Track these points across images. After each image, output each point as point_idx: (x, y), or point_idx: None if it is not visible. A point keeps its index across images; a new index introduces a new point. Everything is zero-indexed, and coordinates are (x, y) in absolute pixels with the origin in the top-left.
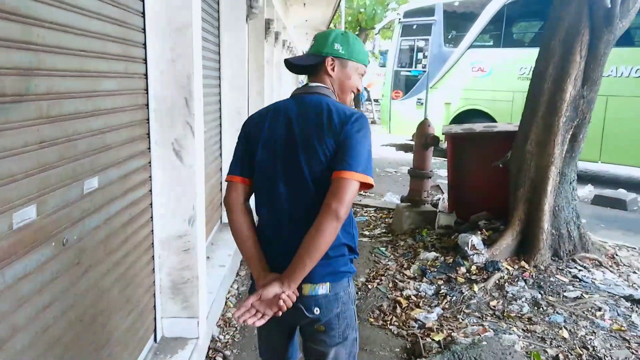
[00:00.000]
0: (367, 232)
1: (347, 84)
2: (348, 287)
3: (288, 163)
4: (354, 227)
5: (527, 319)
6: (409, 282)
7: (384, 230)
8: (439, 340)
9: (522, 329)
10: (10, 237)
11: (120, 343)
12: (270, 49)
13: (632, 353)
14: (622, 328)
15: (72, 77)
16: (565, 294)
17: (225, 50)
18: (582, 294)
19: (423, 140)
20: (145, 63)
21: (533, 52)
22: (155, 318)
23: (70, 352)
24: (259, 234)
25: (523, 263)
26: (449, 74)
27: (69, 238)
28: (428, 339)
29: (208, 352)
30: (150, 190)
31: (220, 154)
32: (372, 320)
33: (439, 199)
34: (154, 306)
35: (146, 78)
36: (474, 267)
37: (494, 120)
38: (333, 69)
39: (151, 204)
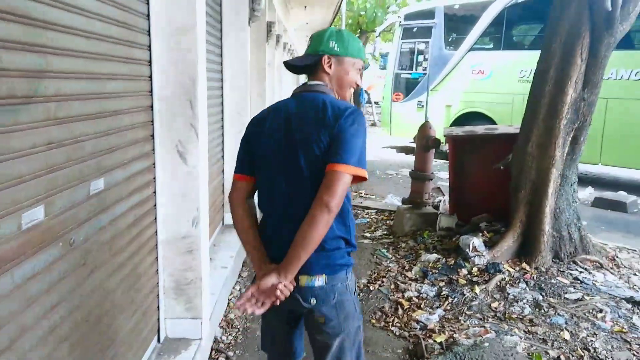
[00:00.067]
0: (368, 234)
1: (345, 80)
2: (346, 280)
3: (288, 162)
4: (351, 220)
5: (528, 321)
6: (410, 283)
7: (385, 232)
8: (441, 342)
9: (524, 331)
10: (20, 237)
11: (125, 343)
12: (272, 52)
13: (634, 354)
14: (623, 330)
15: (79, 79)
16: (566, 295)
17: (228, 53)
18: (583, 296)
19: (424, 142)
20: (150, 65)
21: (533, 55)
22: (158, 319)
23: (76, 352)
24: (262, 229)
25: (524, 265)
26: (450, 77)
27: (76, 239)
28: (430, 340)
29: (211, 353)
30: (155, 192)
31: (222, 156)
32: (374, 321)
33: (440, 201)
34: (158, 307)
35: (151, 80)
36: (475, 269)
37: (494, 123)
38: (330, 67)
39: (155, 205)
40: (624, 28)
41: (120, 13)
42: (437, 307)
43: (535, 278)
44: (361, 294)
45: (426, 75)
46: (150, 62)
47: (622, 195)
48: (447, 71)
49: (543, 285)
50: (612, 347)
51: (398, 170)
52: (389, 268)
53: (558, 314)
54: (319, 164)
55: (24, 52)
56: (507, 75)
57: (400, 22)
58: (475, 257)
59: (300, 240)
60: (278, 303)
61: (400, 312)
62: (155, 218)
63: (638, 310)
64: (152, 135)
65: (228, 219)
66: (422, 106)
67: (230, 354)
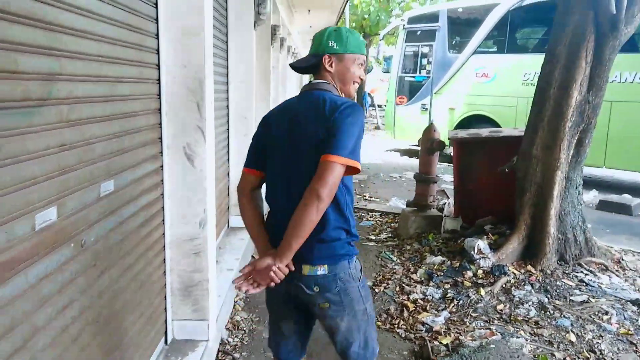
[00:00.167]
0: (373, 237)
1: (347, 76)
2: (349, 268)
3: (291, 158)
4: (350, 211)
5: (534, 323)
6: (415, 286)
7: (389, 235)
8: (447, 344)
9: (530, 333)
10: (33, 237)
11: (133, 345)
12: (276, 55)
13: None
14: (629, 332)
15: (90, 81)
16: (572, 298)
17: (233, 56)
18: (588, 298)
19: (429, 145)
20: (158, 68)
21: (537, 58)
22: (166, 320)
23: (86, 353)
24: (268, 219)
25: (529, 267)
26: (453, 80)
27: (86, 240)
28: (436, 342)
29: (217, 355)
30: (162, 194)
31: (228, 159)
32: (379, 323)
33: (444, 204)
34: (165, 308)
35: (159, 83)
36: (480, 271)
37: (498, 126)
38: (331, 65)
39: (163, 207)
40: (629, 31)
41: (130, 17)
42: (442, 309)
43: (540, 280)
44: None
45: (430, 78)
46: (158, 65)
47: (626, 198)
48: (451, 74)
49: (548, 287)
50: (618, 349)
51: (402, 173)
52: (394, 270)
53: (564, 316)
54: (318, 158)
55: (39, 55)
56: (511, 78)
57: (403, 25)
58: (480, 259)
59: (292, 226)
60: (272, 285)
61: (405, 314)
62: (163, 220)
63: None
64: (160, 138)
65: (233, 221)
66: (426, 109)
67: (237, 355)
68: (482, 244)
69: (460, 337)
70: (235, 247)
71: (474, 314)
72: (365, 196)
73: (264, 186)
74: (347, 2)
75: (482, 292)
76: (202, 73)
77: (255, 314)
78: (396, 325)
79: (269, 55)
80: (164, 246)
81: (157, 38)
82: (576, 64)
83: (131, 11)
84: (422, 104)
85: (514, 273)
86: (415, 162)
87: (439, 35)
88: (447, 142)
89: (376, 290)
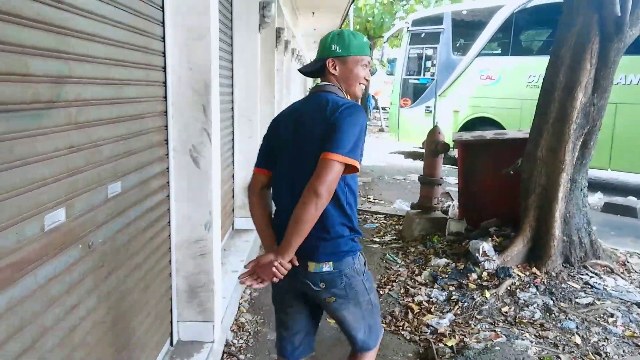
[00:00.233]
0: (377, 239)
1: (351, 78)
2: (353, 264)
3: (295, 158)
4: (352, 210)
5: (539, 325)
6: (420, 288)
7: (394, 237)
8: (452, 346)
9: (535, 335)
10: (42, 238)
11: (139, 346)
12: (280, 58)
13: None
14: (635, 334)
15: (97, 84)
16: (577, 300)
17: (238, 58)
18: (594, 301)
19: (433, 147)
20: (165, 71)
21: (541, 60)
22: (171, 321)
23: (93, 353)
24: (274, 218)
25: (534, 269)
26: (458, 82)
27: (94, 241)
28: (440, 344)
29: (222, 356)
30: (168, 196)
31: (233, 161)
32: (384, 325)
33: (449, 206)
34: (171, 310)
35: (165, 86)
36: (485, 274)
37: (502, 128)
38: (335, 68)
39: (169, 209)
40: (633, 33)
41: (137, 20)
42: (447, 312)
43: (545, 282)
44: None
45: (434, 80)
46: (164, 67)
47: (632, 200)
48: (455, 76)
49: (553, 289)
50: (623, 351)
51: (406, 176)
52: (399, 272)
53: (569, 318)
54: (318, 157)
55: (49, 58)
56: (516, 81)
57: (408, 27)
58: (485, 261)
59: (292, 223)
60: (276, 280)
61: (410, 316)
62: (169, 222)
63: None
64: (166, 140)
65: (238, 223)
66: (430, 112)
67: (242, 357)
68: (486, 246)
69: (465, 339)
70: (240, 249)
71: (478, 316)
72: (369, 198)
73: None
74: (351, 4)
75: (487, 294)
76: (208, 75)
77: (260, 316)
78: (401, 327)
79: (273, 57)
80: (170, 248)
81: (164, 41)
82: (581, 66)
83: (138, 14)
84: (427, 107)
85: (519, 275)
86: (419, 164)
87: (443, 37)
88: (451, 145)
89: (381, 292)
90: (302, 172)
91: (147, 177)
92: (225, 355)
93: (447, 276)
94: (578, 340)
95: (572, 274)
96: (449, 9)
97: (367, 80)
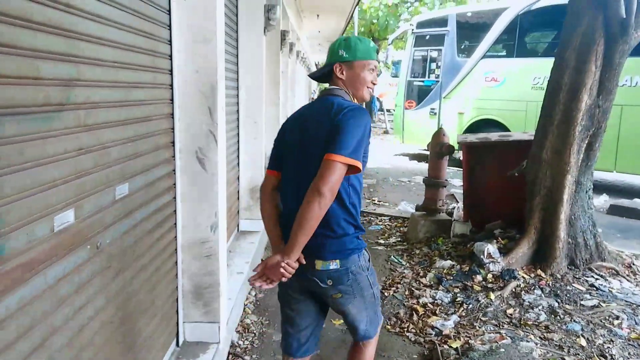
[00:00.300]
0: (382, 241)
1: (357, 82)
2: (358, 261)
3: (301, 160)
4: (356, 208)
5: (544, 327)
6: (425, 290)
7: (399, 239)
8: (457, 347)
9: (540, 337)
10: (52, 239)
11: (145, 346)
12: (285, 60)
13: None
14: None
15: (106, 87)
16: (582, 302)
17: (243, 61)
18: (599, 303)
19: (438, 149)
20: (171, 74)
21: (547, 62)
22: (177, 322)
23: (101, 353)
24: (282, 218)
25: (539, 271)
26: (462, 84)
27: (102, 242)
28: (445, 346)
29: (228, 357)
30: (175, 197)
31: (238, 163)
32: (389, 327)
33: (454, 208)
34: (177, 311)
35: (172, 88)
36: (490, 276)
37: (507, 130)
38: (342, 73)
39: (175, 211)
40: (639, 35)
41: (144, 23)
42: (452, 313)
43: (550, 285)
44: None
45: (439, 82)
46: (171, 70)
47: (637, 202)
48: (460, 78)
49: (559, 291)
50: (629, 354)
51: (411, 178)
52: (404, 274)
53: (574, 320)
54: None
55: (59, 62)
56: (521, 83)
57: (412, 30)
58: (489, 263)
59: (297, 222)
60: (284, 279)
61: (415, 318)
62: (175, 223)
63: None
64: (173, 142)
65: (243, 225)
66: (435, 114)
67: (247, 358)
68: (491, 248)
69: (469, 341)
70: (245, 251)
71: (483, 318)
72: (374, 200)
73: None
74: (355, 7)
75: (492, 296)
76: (214, 78)
77: (266, 317)
78: (406, 329)
79: (278, 60)
80: (176, 249)
81: (170, 44)
82: (586, 68)
83: (145, 18)
84: (431, 108)
85: (524, 277)
86: (424, 166)
87: (447, 39)
88: (456, 147)
89: (385, 294)
90: (307, 174)
91: (154, 178)
92: (230, 356)
93: (452, 278)
94: (583, 342)
95: (577, 276)
96: (454, 11)
97: (374, 84)
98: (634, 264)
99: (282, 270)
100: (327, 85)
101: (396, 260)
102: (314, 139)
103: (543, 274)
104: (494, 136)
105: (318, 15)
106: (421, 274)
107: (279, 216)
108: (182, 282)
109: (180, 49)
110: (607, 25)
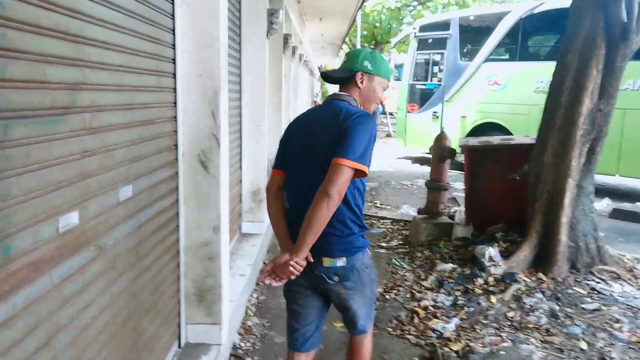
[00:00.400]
0: (384, 244)
1: (372, 96)
2: (362, 258)
3: (308, 161)
4: (360, 209)
5: (544, 330)
6: (426, 292)
7: (400, 242)
8: (457, 350)
9: (540, 340)
10: (57, 240)
11: (147, 347)
12: (288, 64)
13: None
14: None
15: (111, 91)
16: (583, 305)
17: (246, 65)
18: (600, 306)
19: (440, 152)
20: (175, 77)
21: (549, 66)
22: (179, 324)
23: (103, 353)
24: (287, 215)
25: (540, 275)
26: (465, 88)
27: (106, 243)
28: (446, 349)
29: (229, 359)
30: (177, 200)
31: (240, 166)
32: (390, 329)
33: (455, 211)
34: (179, 312)
35: (175, 92)
36: (491, 279)
37: (510, 134)
38: (362, 82)
39: (177, 213)
40: None
41: (149, 28)
42: (453, 316)
43: (551, 288)
44: (377, 302)
45: (441, 86)
46: (174, 74)
47: None
48: (463, 82)
49: (559, 295)
50: (629, 357)
51: (413, 181)
52: (405, 277)
53: (575, 323)
54: (330, 163)
55: (65, 66)
56: (523, 86)
57: (415, 33)
58: (491, 266)
59: (305, 223)
60: (293, 277)
61: (416, 320)
62: (178, 225)
63: None
64: (176, 145)
65: (245, 227)
66: (438, 117)
67: None
68: (493, 251)
69: (470, 343)
70: (247, 253)
71: (484, 321)
72: (376, 203)
73: None
74: (358, 10)
75: (493, 299)
76: (217, 82)
77: (267, 320)
78: (407, 332)
79: (281, 63)
80: (179, 251)
81: (174, 48)
82: (587, 72)
83: (150, 22)
84: (434, 112)
85: (525, 281)
86: (426, 169)
87: (450, 43)
88: (458, 150)
89: (387, 296)
90: (312, 175)
91: (157, 181)
92: (232, 357)
93: (453, 281)
94: (584, 345)
95: (578, 280)
96: (456, 14)
97: (382, 101)
98: (635, 268)
99: (291, 268)
100: (327, 84)
101: (398, 263)
102: (320, 142)
103: (544, 277)
104: (495, 140)
105: (321, 19)
106: (422, 277)
107: (285, 215)
108: (185, 283)
109: (184, 52)
110: (609, 29)
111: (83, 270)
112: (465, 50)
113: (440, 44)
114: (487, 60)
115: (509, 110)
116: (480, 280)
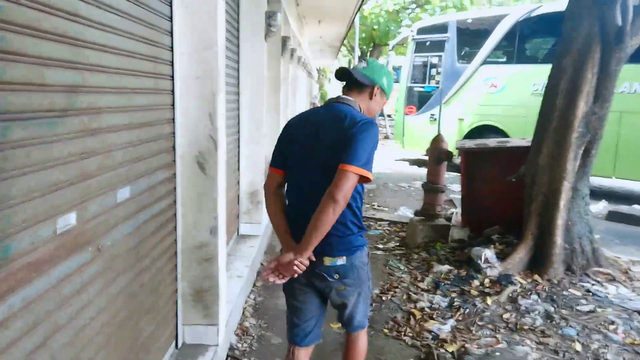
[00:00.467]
0: (380, 246)
1: (376, 109)
2: (361, 257)
3: (311, 162)
4: (360, 210)
5: (540, 332)
6: (422, 294)
7: (397, 244)
8: (453, 351)
9: (535, 342)
10: (55, 240)
11: (145, 348)
12: (286, 66)
13: None
14: (635, 342)
15: (109, 93)
16: (578, 307)
17: (244, 67)
18: (595, 308)
19: (437, 154)
20: (172, 80)
21: (546, 69)
22: (176, 325)
23: (101, 353)
24: (287, 214)
25: (536, 277)
26: (462, 90)
27: (104, 244)
28: (442, 350)
29: None
30: (175, 201)
31: (238, 168)
32: (386, 331)
33: (452, 213)
34: (176, 313)
35: (173, 94)
36: (487, 280)
37: (507, 136)
38: (375, 96)
39: (175, 214)
40: (635, 43)
41: (147, 30)
42: (449, 318)
43: (547, 290)
44: (374, 304)
45: (439, 88)
46: (172, 76)
47: (636, 209)
48: (460, 85)
49: (555, 297)
50: (623, 359)
51: (410, 183)
52: (402, 279)
53: (570, 325)
54: (335, 165)
55: (64, 69)
56: (520, 89)
57: (413, 36)
58: (487, 268)
59: (311, 225)
60: (295, 276)
61: (412, 322)
62: (176, 226)
63: None
64: (174, 147)
65: (243, 229)
66: (435, 119)
67: None
68: (489, 253)
69: (466, 345)
70: (244, 255)
71: (480, 323)
72: (373, 205)
73: None
74: (357, 13)
75: (489, 300)
76: (215, 84)
77: (264, 321)
78: (403, 333)
79: (279, 65)
80: (176, 252)
81: (172, 51)
82: (582, 75)
83: (147, 25)
84: (431, 114)
85: (521, 282)
86: (424, 171)
87: (448, 45)
88: (455, 152)
89: (383, 298)
90: (310, 174)
91: (155, 182)
92: (229, 358)
93: (449, 283)
94: (578, 347)
95: (573, 282)
96: (454, 17)
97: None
98: (630, 270)
99: (295, 267)
100: (326, 87)
101: (394, 265)
102: (322, 143)
103: (540, 279)
104: (492, 142)
105: (319, 21)
106: (419, 279)
107: (285, 213)
108: (182, 284)
109: (182, 55)
110: (604, 33)
111: (81, 271)
112: (462, 53)
113: (438, 46)
114: (484, 63)
115: (506, 113)
116: (476, 282)
